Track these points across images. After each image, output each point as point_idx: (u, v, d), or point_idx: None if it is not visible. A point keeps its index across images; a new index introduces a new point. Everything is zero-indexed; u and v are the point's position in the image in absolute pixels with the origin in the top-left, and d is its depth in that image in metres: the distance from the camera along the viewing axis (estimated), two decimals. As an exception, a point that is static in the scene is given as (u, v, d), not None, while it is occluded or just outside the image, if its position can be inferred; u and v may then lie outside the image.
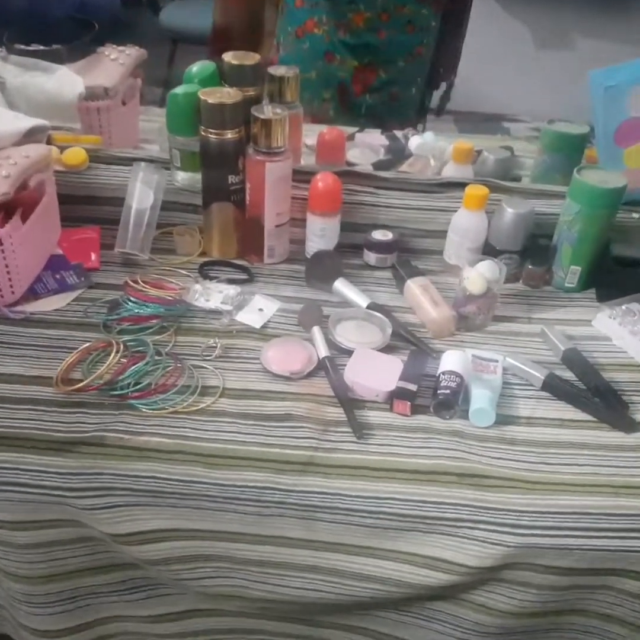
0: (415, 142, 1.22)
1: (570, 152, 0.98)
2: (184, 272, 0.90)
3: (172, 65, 3.09)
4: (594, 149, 1.00)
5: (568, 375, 0.77)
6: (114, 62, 1.07)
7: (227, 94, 0.83)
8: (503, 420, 0.70)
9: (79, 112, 1.01)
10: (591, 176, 0.85)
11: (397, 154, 1.23)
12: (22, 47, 1.09)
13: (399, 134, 1.29)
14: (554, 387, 0.73)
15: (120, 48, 1.11)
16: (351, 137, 1.27)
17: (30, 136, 0.87)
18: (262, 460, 0.66)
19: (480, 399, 0.69)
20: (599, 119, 0.92)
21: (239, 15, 1.41)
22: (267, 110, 0.82)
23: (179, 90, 0.88)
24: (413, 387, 0.70)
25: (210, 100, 0.81)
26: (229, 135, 0.84)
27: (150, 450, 0.66)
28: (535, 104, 3.63)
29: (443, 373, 0.71)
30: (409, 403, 0.69)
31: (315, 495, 0.64)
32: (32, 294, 0.84)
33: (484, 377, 0.73)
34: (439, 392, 0.69)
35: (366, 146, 1.23)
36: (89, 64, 1.07)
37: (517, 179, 1.06)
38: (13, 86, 0.99)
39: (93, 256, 0.92)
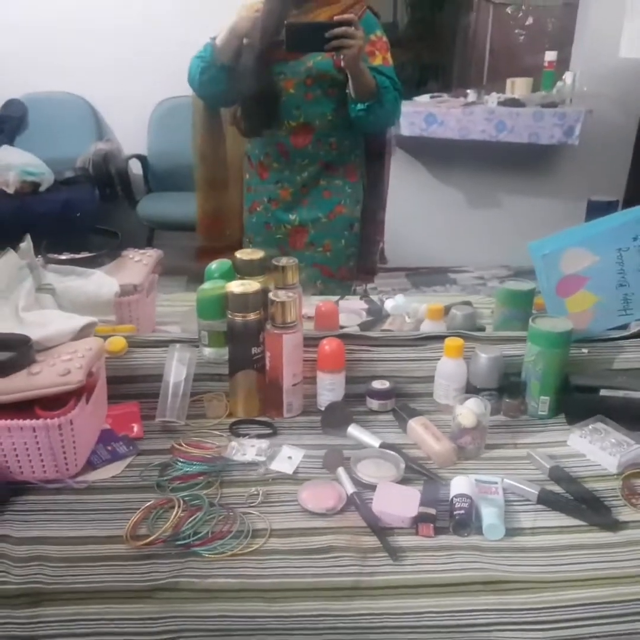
0: (390, 304, 1.45)
1: (522, 304, 1.21)
2: (217, 432, 1.04)
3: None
4: (541, 297, 1.22)
5: (557, 489, 0.91)
6: (139, 263, 1.28)
7: (249, 285, 1.02)
8: (511, 532, 0.83)
9: (113, 306, 1.19)
10: (544, 323, 1.05)
11: (376, 314, 1.45)
12: (56, 256, 1.30)
13: (375, 298, 1.52)
14: (547, 501, 0.88)
15: (142, 251, 1.33)
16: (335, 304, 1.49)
17: (81, 331, 1.04)
18: (314, 589, 0.76)
19: (490, 516, 0.82)
20: (542, 278, 1.15)
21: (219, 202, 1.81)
22: (282, 295, 1.02)
23: (207, 285, 1.09)
24: (432, 510, 0.83)
25: (236, 291, 1.01)
26: (252, 316, 1.02)
27: (218, 591, 0.76)
28: (475, 254, 4.08)
29: (455, 496, 0.85)
30: (431, 525, 0.82)
31: (364, 617, 0.74)
32: (90, 465, 0.96)
33: (489, 497, 0.87)
34: (454, 513, 0.83)
35: (350, 311, 1.44)
36: (117, 266, 1.28)
37: (482, 328, 1.27)
38: (58, 290, 1.17)
39: (135, 427, 1.05)
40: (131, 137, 3.52)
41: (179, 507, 0.85)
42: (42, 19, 3.32)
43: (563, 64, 3.57)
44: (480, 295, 1.61)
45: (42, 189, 3.10)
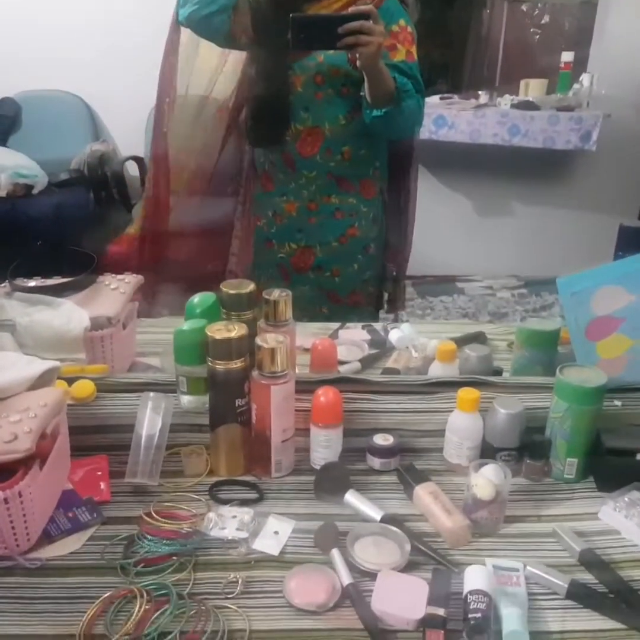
0: (395, 335, 1.31)
1: (545, 346, 1.07)
2: (194, 495, 0.91)
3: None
4: (566, 330, 1.08)
5: (587, 577, 0.78)
6: (115, 291, 1.15)
7: (232, 328, 0.89)
8: (536, 637, 0.69)
9: (83, 342, 1.06)
10: (573, 374, 0.92)
11: (380, 346, 1.31)
12: (25, 282, 1.17)
13: (378, 327, 1.39)
14: (578, 595, 0.74)
15: (120, 277, 1.19)
16: (335, 335, 1.36)
17: (40, 378, 0.91)
18: None
19: (511, 620, 0.69)
20: (570, 319, 1.01)
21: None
22: (271, 340, 0.89)
23: (186, 326, 0.95)
24: (442, 611, 0.70)
25: (217, 337, 0.88)
26: (235, 364, 0.89)
27: None
28: (484, 263, 3.93)
29: (470, 593, 0.71)
30: (442, 632, 0.68)
31: None
32: (46, 536, 0.83)
33: (509, 590, 0.74)
34: (469, 616, 0.69)
35: (351, 343, 1.31)
36: (91, 295, 1.14)
37: (499, 371, 1.13)
38: (21, 326, 1.04)
39: (102, 486, 0.92)
40: (128, 138, 3.40)
41: (142, 598, 0.72)
42: (37, 15, 3.20)
43: (580, 65, 3.41)
44: (494, 324, 1.48)
45: (35, 191, 3.03)
